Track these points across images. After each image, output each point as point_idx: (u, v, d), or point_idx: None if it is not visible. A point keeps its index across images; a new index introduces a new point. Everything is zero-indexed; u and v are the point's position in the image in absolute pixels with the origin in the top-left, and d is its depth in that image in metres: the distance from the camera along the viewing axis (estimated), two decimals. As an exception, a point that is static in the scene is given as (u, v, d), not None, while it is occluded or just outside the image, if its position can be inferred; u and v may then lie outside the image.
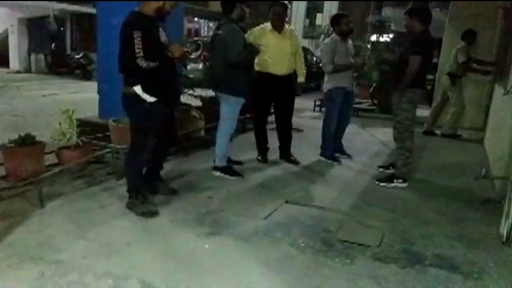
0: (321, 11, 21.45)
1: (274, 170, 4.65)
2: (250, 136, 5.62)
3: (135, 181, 3.37)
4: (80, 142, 3.91)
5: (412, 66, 4.01)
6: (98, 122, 4.98)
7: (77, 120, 4.89)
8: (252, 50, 4.10)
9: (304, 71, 4.93)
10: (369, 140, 6.47)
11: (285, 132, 4.95)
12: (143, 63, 2.98)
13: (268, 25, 4.62)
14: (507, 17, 6.12)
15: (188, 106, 5.34)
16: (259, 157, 4.93)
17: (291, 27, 4.88)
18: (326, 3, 21.06)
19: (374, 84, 9.83)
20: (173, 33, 6.02)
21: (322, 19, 20.73)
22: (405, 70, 4.07)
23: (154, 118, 3.24)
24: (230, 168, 4.37)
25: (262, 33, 4.55)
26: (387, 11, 13.18)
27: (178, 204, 3.49)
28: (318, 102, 9.40)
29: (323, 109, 9.00)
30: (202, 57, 11.73)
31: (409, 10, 4.20)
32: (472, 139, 6.86)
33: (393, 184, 4.25)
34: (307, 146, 5.77)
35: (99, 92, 5.29)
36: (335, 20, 4.89)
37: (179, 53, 3.19)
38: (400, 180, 4.26)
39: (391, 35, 17.02)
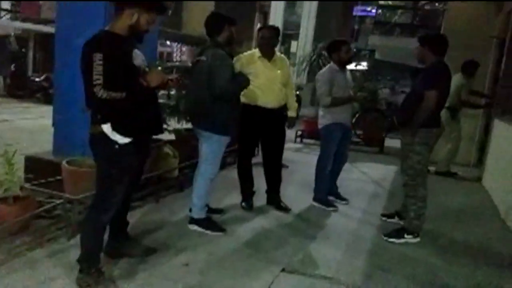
0: (296, 39, 21.24)
1: (262, 220, 3.92)
2: (232, 174, 4.90)
3: (93, 246, 2.57)
4: (22, 193, 3.08)
5: (428, 102, 3.43)
6: (51, 160, 4.13)
7: (27, 157, 4.11)
8: (243, 81, 3.44)
9: (296, 105, 4.30)
10: (360, 179, 5.85)
11: (274, 174, 4.26)
12: (101, 93, 2.25)
13: (256, 51, 3.98)
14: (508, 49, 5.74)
15: (160, 142, 4.58)
16: (243, 204, 4.20)
17: (282, 55, 4.26)
18: (301, 31, 20.87)
19: (357, 115, 9.37)
20: (147, 57, 5.42)
21: (297, 47, 20.47)
22: (417, 106, 3.49)
23: (126, 164, 2.50)
24: (210, 220, 3.62)
25: (251, 60, 3.90)
26: (373, 39, 13.01)
27: (144, 277, 2.70)
28: (299, 133, 8.79)
29: (306, 140, 8.50)
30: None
31: (421, 38, 3.66)
32: (468, 178, 6.35)
33: (403, 240, 3.60)
34: (296, 187, 5.10)
35: (54, 123, 4.45)
36: (334, 47, 4.30)
37: (157, 82, 2.48)
38: (411, 236, 3.61)
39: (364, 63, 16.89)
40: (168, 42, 21.98)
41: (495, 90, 6.41)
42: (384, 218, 4.16)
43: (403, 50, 8.22)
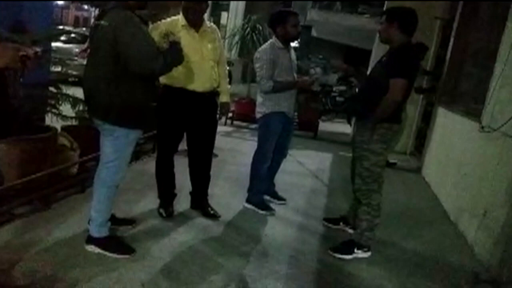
0: (227, 9, 20.21)
1: (185, 234, 3.14)
2: (148, 167, 4.07)
3: None
4: None
5: (394, 93, 2.82)
6: None
7: None
8: (175, 53, 2.60)
9: (229, 87, 3.53)
10: (297, 171, 5.24)
11: (202, 173, 3.49)
12: None
13: (180, 18, 3.12)
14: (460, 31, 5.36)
15: (52, 131, 3.58)
16: (161, 211, 3.38)
17: (213, 24, 3.42)
18: (232, 2, 19.84)
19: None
20: (39, 19, 4.28)
21: (228, 19, 19.49)
22: (378, 97, 2.88)
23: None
24: (115, 239, 2.79)
25: (172, 30, 3.03)
26: (312, 14, 12.18)
27: None
28: (230, 114, 8.01)
29: (237, 122, 7.75)
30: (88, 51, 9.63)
31: (390, 13, 3.02)
32: (406, 168, 6.03)
33: (353, 256, 3.03)
34: (226, 183, 4.37)
35: None
36: (279, 19, 3.53)
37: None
38: (361, 250, 3.06)
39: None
40: (85, 6, 19.81)
41: (438, 74, 6.07)
42: (327, 224, 3.58)
43: (342, 28, 7.67)
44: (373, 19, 6.96)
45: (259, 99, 3.62)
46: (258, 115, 3.62)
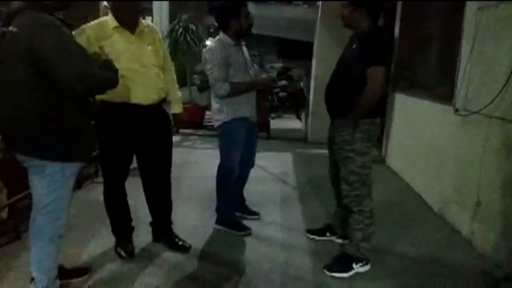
0: (150, 14, 19.31)
1: (152, 276, 2.60)
2: (93, 195, 3.50)
3: None
4: None
5: (375, 84, 2.48)
6: None
7: None
8: (110, 71, 2.07)
9: (180, 95, 3.03)
10: (261, 177, 4.80)
11: (161, 199, 2.96)
12: None
13: (109, 19, 2.57)
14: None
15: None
16: (119, 249, 2.82)
17: (151, 23, 2.89)
18: (155, 4, 18.97)
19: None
20: None
21: (153, 22, 18.67)
22: (354, 90, 2.53)
23: None
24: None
25: (102, 34, 2.49)
26: (250, 8, 11.70)
27: None
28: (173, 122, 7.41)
29: (184, 130, 7.16)
30: None
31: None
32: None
33: (352, 272, 2.67)
34: (187, 202, 3.87)
35: None
36: (231, 11, 3.06)
37: None
38: (360, 264, 2.71)
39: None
40: None
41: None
42: (312, 236, 3.20)
43: (278, 20, 7.35)
44: (311, 9, 6.67)
45: (214, 105, 3.14)
46: (216, 123, 3.14)
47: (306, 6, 6.81)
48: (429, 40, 4.54)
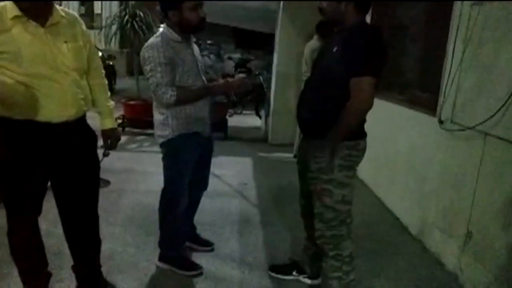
0: (99, -2, 18.03)
1: None
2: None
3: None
4: None
5: (361, 98, 1.94)
6: None
7: None
8: None
9: (112, 105, 2.37)
10: (217, 190, 4.15)
11: (85, 239, 2.30)
12: None
13: (9, 6, 1.87)
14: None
15: None
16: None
17: (72, 12, 2.18)
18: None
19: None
20: None
21: (102, 7, 17.45)
22: (334, 104, 2.00)
23: None
24: None
25: (-3, 25, 1.80)
26: None
27: None
28: (118, 121, 6.64)
29: (130, 129, 6.40)
30: None
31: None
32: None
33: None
34: (126, 226, 3.25)
35: None
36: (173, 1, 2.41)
37: None
38: (338, 316, 2.19)
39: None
40: None
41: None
42: (276, 276, 2.66)
43: (235, 8, 6.70)
44: (273, -2, 6.08)
45: (157, 116, 2.49)
46: (159, 140, 2.50)
47: (266, -5, 6.20)
48: (407, 32, 4.06)
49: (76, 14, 2.15)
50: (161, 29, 2.44)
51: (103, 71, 2.30)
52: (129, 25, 6.50)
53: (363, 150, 2.15)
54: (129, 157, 5.18)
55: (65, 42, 2.01)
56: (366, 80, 1.92)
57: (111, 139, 2.35)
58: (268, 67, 8.77)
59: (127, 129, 6.55)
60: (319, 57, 2.27)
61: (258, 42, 12.24)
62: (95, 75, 2.23)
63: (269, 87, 7.20)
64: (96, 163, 2.26)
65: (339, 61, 2.00)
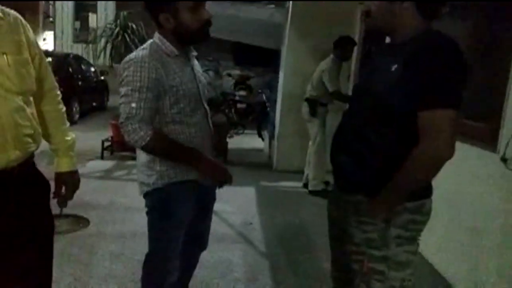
0: (95, 11, 17.60)
1: None
2: None
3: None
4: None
5: (439, 142, 1.31)
6: None
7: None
8: None
9: (72, 140, 1.72)
10: (216, 233, 3.42)
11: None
12: None
13: None
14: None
15: None
16: None
17: (12, 11, 1.54)
18: (99, 3, 17.32)
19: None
20: None
21: (97, 21, 16.98)
22: (391, 145, 1.37)
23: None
24: None
25: None
26: (210, 7, 10.30)
27: None
28: (107, 143, 5.99)
29: (119, 153, 5.73)
30: None
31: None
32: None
33: None
34: (100, 286, 2.54)
35: None
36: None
37: None
38: None
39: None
40: None
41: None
42: None
43: (237, 22, 6.11)
44: (279, 11, 5.50)
45: (140, 155, 1.83)
46: (142, 189, 1.84)
47: (272, 6, 5.63)
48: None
49: (18, 16, 1.52)
50: (150, 40, 1.82)
51: (59, 93, 1.67)
52: (119, 37, 5.91)
53: (429, 213, 1.51)
54: (115, 187, 4.51)
55: (4, 54, 1.39)
56: (446, 115, 1.30)
57: (67, 186, 1.71)
58: (270, 85, 8.18)
59: (115, 153, 5.90)
60: (364, 78, 1.65)
61: (259, 59, 11.68)
62: (48, 100, 1.61)
63: (272, 107, 6.59)
64: (49, 225, 1.62)
65: (401, 85, 1.36)
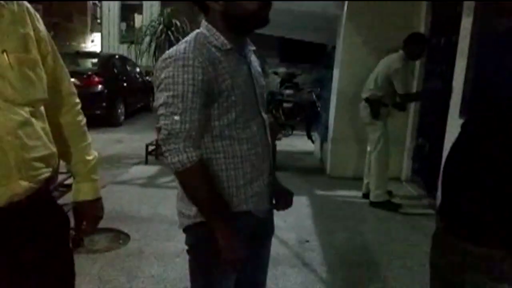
0: (141, 12, 17.72)
1: None
2: None
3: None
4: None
5: None
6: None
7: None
8: None
9: (95, 159, 1.36)
10: None
11: None
12: None
13: None
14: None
15: None
16: None
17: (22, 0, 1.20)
18: (145, 3, 17.41)
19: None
20: None
21: (143, 21, 17.10)
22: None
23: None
24: None
25: None
26: None
27: None
28: (152, 147, 5.75)
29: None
30: None
31: None
32: (417, 209, 4.14)
33: None
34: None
35: None
36: None
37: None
38: None
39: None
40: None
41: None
42: None
43: (287, 15, 5.66)
44: (333, 2, 5.00)
45: (179, 195, 1.45)
46: (182, 222, 1.44)
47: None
48: None
49: (29, 7, 1.16)
50: (195, 32, 1.42)
51: (78, 102, 1.31)
52: (163, 36, 5.63)
53: None
54: (158, 196, 4.20)
55: (4, 51, 1.05)
56: None
57: (88, 218, 1.35)
58: (319, 83, 7.69)
59: (160, 157, 5.64)
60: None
61: (306, 54, 11.17)
62: (65, 110, 1.26)
63: (323, 106, 6.10)
64: (68, 267, 1.26)
65: None
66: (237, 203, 1.39)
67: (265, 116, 1.49)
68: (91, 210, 1.34)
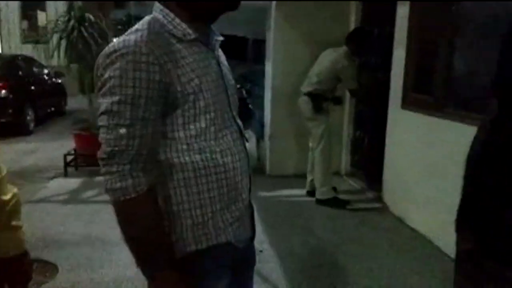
0: (43, 9, 16.25)
1: None
2: None
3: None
4: None
5: None
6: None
7: None
8: None
9: (15, 196, 1.00)
10: None
11: None
12: None
13: None
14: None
15: None
16: None
17: None
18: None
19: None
20: None
21: (47, 18, 15.68)
22: None
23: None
24: None
25: None
26: None
27: None
28: (69, 155, 5.13)
29: (84, 168, 4.84)
30: None
31: None
32: (369, 208, 4.03)
33: None
34: None
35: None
36: None
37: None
38: None
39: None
40: None
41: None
42: None
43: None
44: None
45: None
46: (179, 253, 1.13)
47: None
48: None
49: None
50: (147, 17, 1.08)
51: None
52: (75, 32, 5.02)
53: None
54: (85, 213, 3.70)
55: None
56: None
57: (12, 282, 1.00)
58: (249, 79, 7.48)
59: (80, 168, 5.06)
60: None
61: (228, 51, 10.90)
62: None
63: (255, 103, 5.89)
64: None
65: None
66: (214, 233, 1.09)
67: (239, 122, 1.20)
68: (16, 269, 0.96)
